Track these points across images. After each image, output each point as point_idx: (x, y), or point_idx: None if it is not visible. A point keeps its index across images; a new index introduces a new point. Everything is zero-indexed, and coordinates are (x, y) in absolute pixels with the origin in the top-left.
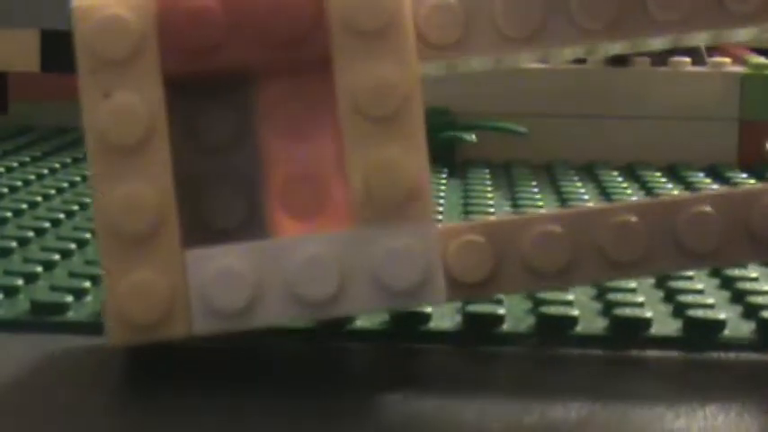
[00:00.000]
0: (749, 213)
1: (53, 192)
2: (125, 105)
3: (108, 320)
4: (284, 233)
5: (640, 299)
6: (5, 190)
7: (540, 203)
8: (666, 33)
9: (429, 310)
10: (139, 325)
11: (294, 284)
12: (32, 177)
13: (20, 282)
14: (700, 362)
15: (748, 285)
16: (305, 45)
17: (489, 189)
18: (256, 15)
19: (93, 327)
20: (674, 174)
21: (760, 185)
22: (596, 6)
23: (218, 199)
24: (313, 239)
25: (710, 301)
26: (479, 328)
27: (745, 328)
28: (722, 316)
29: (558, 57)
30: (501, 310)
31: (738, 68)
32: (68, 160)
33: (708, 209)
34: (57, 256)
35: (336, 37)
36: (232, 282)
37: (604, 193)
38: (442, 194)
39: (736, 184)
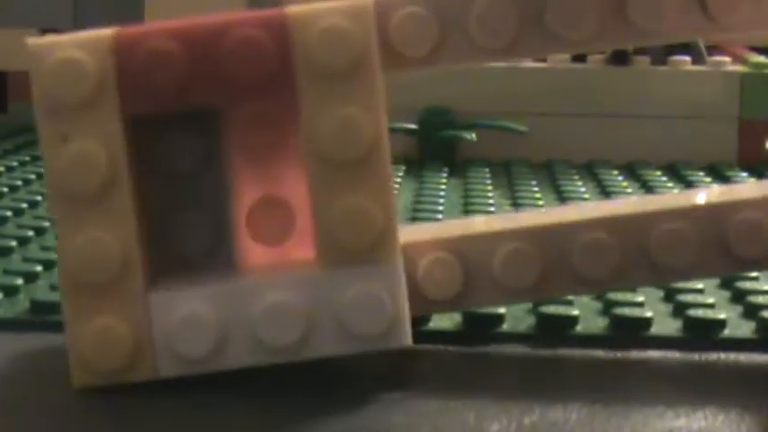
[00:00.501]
0: (725, 228)
1: None
2: (84, 152)
3: (71, 364)
4: (252, 259)
5: (640, 298)
6: (5, 189)
7: (540, 202)
8: (647, 41)
9: None
10: (103, 371)
11: (259, 330)
12: (32, 177)
13: (20, 281)
14: (700, 362)
15: (748, 285)
16: (270, 88)
17: (489, 188)
18: (219, 57)
19: None
20: (674, 173)
21: (734, 199)
22: (572, 18)
23: (184, 226)
24: (278, 283)
25: (711, 300)
26: (479, 328)
27: (746, 328)
28: (722, 316)
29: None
30: (501, 310)
31: (738, 67)
32: None
33: (681, 225)
34: (56, 256)
35: (301, 79)
36: (196, 328)
37: (604, 192)
38: (442, 193)
39: (736, 183)
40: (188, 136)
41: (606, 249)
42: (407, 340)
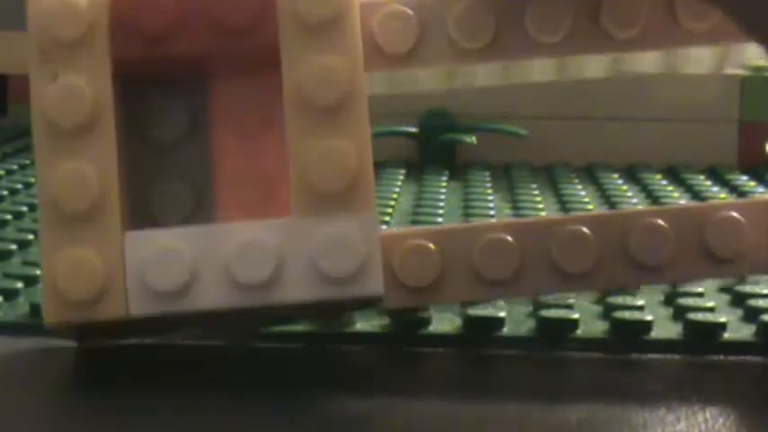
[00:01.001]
0: (704, 228)
1: None
2: (72, 87)
3: (44, 299)
4: None
5: (641, 302)
6: (5, 192)
7: (541, 206)
8: (620, 49)
9: (429, 313)
10: (74, 302)
11: (230, 267)
12: (32, 180)
13: (19, 285)
14: (700, 365)
15: (748, 288)
16: (255, 33)
17: (489, 191)
18: (207, 2)
19: None
20: (674, 176)
21: (715, 202)
22: (551, 20)
23: (165, 193)
24: (252, 225)
25: (711, 304)
26: (480, 332)
27: (746, 332)
28: (723, 319)
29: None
30: (501, 313)
31: (738, 70)
32: None
33: (660, 222)
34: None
35: (283, 27)
36: (168, 262)
37: (604, 196)
38: (442, 197)
39: (736, 186)
40: (174, 104)
41: (586, 243)
42: (379, 287)
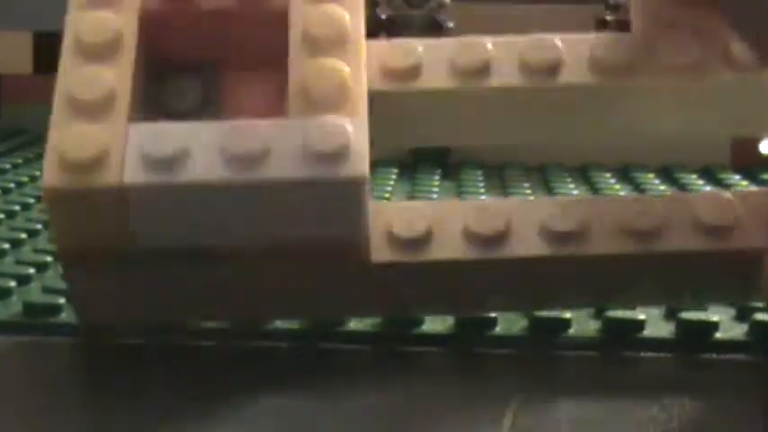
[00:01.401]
0: (693, 202)
1: None
2: (102, 15)
3: (45, 166)
4: None
5: None
6: None
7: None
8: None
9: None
10: (72, 164)
11: (223, 142)
12: (25, 179)
13: (12, 283)
14: (693, 364)
15: None
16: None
17: (482, 191)
18: None
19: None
20: (667, 175)
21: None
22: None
23: (175, 97)
24: (247, 121)
25: None
26: (472, 331)
27: (738, 330)
28: (715, 318)
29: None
30: (493, 314)
31: None
32: None
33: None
34: (49, 258)
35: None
36: (164, 135)
37: (597, 194)
38: (435, 197)
39: (729, 185)
40: (187, 81)
41: (576, 207)
42: (365, 171)
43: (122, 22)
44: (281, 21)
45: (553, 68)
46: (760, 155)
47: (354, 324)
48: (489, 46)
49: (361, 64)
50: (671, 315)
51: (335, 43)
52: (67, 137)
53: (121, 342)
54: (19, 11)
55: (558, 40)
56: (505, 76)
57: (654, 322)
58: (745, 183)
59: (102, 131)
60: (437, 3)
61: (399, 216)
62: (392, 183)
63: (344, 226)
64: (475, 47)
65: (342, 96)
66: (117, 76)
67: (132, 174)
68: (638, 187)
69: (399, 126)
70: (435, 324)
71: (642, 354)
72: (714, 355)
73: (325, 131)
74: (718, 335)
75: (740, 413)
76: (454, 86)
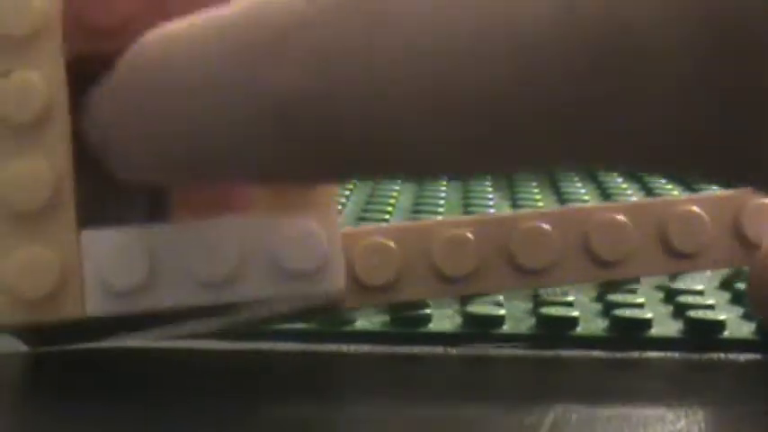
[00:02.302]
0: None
1: None
2: (24, 82)
3: None
4: None
5: (640, 300)
6: None
7: (540, 204)
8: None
9: (429, 311)
10: (28, 301)
11: (189, 263)
12: None
13: None
14: (700, 363)
15: None
16: None
17: (489, 189)
18: None
19: None
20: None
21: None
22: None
23: (121, 195)
24: (212, 223)
25: (711, 301)
26: (479, 330)
27: (746, 329)
28: (722, 317)
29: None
30: (501, 311)
31: None
32: None
33: (620, 218)
34: None
35: None
36: (128, 260)
37: (605, 194)
38: (442, 195)
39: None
40: None
41: (546, 239)
42: (341, 282)
43: (48, 85)
44: None
45: None
46: None
47: (361, 323)
48: None
49: None
50: (678, 314)
51: None
52: (15, 265)
53: (79, 347)
54: None
55: None
56: None
57: (661, 321)
58: None
59: (53, 253)
60: None
61: (365, 260)
62: (399, 181)
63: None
64: None
65: (309, 192)
66: (55, 168)
67: (94, 304)
68: (645, 185)
69: None
70: (443, 323)
71: (649, 353)
72: (722, 354)
73: (298, 244)
74: (725, 333)
75: (747, 413)
76: None
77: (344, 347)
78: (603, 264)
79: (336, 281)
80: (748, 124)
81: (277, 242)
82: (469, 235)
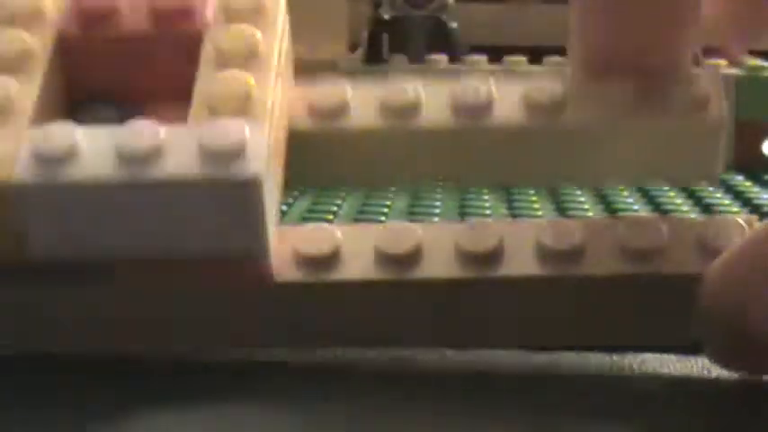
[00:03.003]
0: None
1: None
2: (13, 30)
3: None
4: None
5: None
6: None
7: (537, 206)
8: None
9: None
10: None
11: (117, 141)
12: None
13: None
14: (697, 365)
15: None
16: (187, 20)
17: (485, 191)
18: None
19: None
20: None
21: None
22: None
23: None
24: (144, 122)
25: None
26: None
27: None
28: None
29: None
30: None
31: (734, 71)
32: None
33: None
34: None
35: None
36: (60, 133)
37: (604, 201)
38: (438, 198)
39: (731, 186)
40: (105, 111)
41: (491, 228)
42: (261, 171)
43: (35, 40)
44: (198, 47)
45: (485, 108)
46: (763, 154)
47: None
48: (420, 88)
49: (269, 77)
50: None
51: (244, 57)
52: None
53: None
54: None
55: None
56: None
57: None
58: (748, 183)
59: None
60: (440, 3)
61: (306, 236)
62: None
63: (242, 237)
64: (405, 89)
65: (243, 103)
66: (21, 86)
67: (22, 172)
68: (641, 188)
69: (328, 164)
70: None
71: (646, 354)
72: None
73: (221, 131)
74: None
75: (748, 415)
76: (382, 126)
77: (342, 350)
78: (553, 255)
79: (255, 165)
80: None
81: (201, 130)
82: (413, 225)
